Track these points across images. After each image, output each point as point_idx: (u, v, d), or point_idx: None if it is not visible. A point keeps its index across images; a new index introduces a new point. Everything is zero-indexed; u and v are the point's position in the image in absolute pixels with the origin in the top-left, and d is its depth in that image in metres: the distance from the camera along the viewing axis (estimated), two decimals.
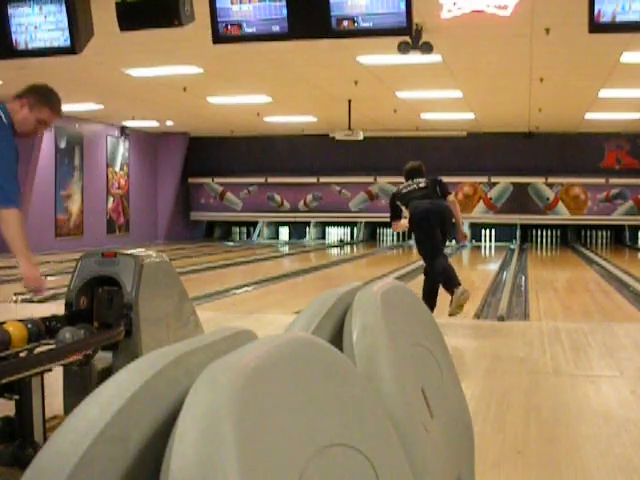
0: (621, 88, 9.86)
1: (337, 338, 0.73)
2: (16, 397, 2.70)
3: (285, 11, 4.91)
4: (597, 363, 4.41)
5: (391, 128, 14.94)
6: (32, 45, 5.80)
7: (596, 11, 4.50)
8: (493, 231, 16.97)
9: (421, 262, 6.14)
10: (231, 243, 17.52)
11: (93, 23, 5.29)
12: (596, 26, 4.53)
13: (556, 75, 9.11)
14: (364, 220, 17.37)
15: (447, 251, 6.54)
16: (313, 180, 17.18)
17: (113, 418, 0.43)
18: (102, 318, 3.01)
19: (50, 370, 2.75)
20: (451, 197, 5.84)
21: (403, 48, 6.64)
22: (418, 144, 15.44)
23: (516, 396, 3.59)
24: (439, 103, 11.85)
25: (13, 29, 5.73)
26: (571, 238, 16.75)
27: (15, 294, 3.99)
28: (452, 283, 5.46)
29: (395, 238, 17.15)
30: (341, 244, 17.34)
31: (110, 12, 4.93)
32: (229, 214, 18.06)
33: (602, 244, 16.61)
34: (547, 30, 6.55)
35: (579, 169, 15.92)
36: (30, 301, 6.30)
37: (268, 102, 11.93)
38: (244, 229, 18.90)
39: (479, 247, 16.28)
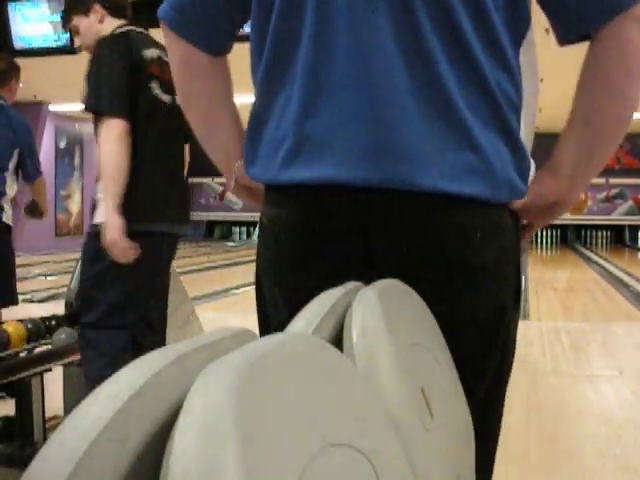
0: None
1: (337, 338, 0.73)
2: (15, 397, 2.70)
3: None
4: (597, 363, 4.41)
5: None
6: (32, 45, 5.81)
7: None
8: None
9: None
10: (231, 243, 17.52)
11: None
12: None
13: (556, 75, 9.10)
14: None
15: None
16: None
17: (113, 418, 0.43)
18: None
19: (50, 370, 2.75)
20: None
21: None
22: None
23: (516, 396, 3.59)
24: None
25: (13, 29, 5.73)
26: (571, 238, 16.75)
27: None
28: None
29: None
30: None
31: None
32: (229, 214, 18.05)
33: (602, 244, 16.61)
34: (547, 30, 6.52)
35: None
36: (30, 301, 6.30)
37: None
38: (244, 229, 18.89)
39: None
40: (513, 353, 1.10)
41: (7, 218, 3.45)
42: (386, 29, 0.92)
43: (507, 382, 1.09)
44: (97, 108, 2.42)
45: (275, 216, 1.01)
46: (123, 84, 2.38)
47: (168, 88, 2.48)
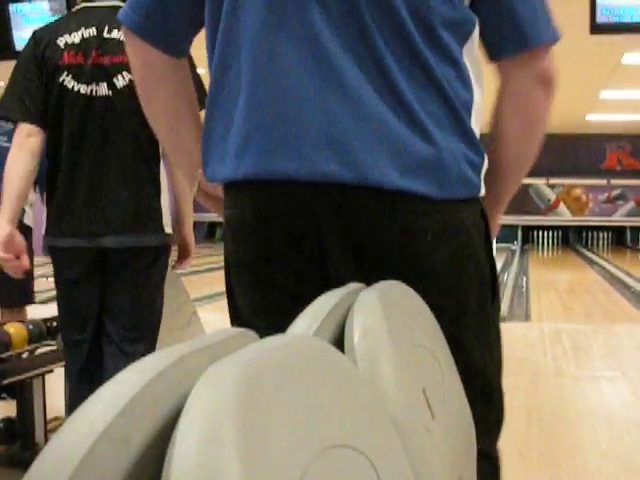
0: (622, 89, 9.86)
1: (339, 339, 0.73)
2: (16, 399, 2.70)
3: None
4: (598, 364, 4.41)
5: None
6: None
7: (597, 12, 4.50)
8: None
9: None
10: None
11: None
12: (597, 27, 4.53)
13: (557, 76, 9.09)
14: None
15: None
16: None
17: (114, 420, 0.43)
18: None
19: (51, 371, 2.75)
20: None
21: None
22: None
23: (517, 397, 3.58)
24: None
25: (13, 29, 5.72)
26: (572, 239, 16.73)
27: None
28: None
29: None
30: None
31: None
32: None
33: (603, 245, 16.60)
34: None
35: (580, 170, 15.89)
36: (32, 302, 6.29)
37: None
38: None
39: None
40: (493, 360, 1.11)
41: (28, 219, 3.53)
42: (331, 29, 0.94)
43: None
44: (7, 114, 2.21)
45: (232, 216, 1.03)
46: (30, 88, 2.09)
47: (94, 76, 2.07)
